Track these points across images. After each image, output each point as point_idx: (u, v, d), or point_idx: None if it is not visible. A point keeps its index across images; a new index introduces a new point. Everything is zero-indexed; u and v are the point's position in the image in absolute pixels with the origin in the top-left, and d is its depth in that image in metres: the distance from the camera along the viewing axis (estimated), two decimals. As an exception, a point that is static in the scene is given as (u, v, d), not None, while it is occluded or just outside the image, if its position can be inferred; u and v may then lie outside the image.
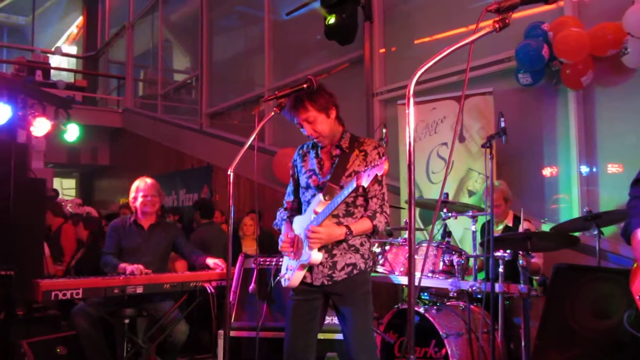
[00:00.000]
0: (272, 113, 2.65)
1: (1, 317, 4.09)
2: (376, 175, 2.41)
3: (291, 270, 2.79)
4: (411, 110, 1.44)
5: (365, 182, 2.42)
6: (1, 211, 4.12)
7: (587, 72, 4.20)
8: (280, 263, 2.99)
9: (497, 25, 1.56)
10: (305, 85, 2.57)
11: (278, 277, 2.90)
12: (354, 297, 2.74)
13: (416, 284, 3.88)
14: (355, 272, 2.75)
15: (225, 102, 9.36)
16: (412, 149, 1.44)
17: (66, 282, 3.59)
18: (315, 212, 2.69)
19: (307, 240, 2.67)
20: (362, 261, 2.78)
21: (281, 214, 3.01)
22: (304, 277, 2.77)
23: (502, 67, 4.91)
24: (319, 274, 2.75)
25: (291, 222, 2.91)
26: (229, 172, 2.47)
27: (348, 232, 2.69)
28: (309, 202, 2.82)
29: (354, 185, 2.47)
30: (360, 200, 2.79)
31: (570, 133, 4.54)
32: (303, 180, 2.88)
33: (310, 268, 2.76)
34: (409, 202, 1.44)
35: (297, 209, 2.98)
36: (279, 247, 2.87)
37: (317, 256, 2.68)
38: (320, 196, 2.69)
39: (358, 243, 2.79)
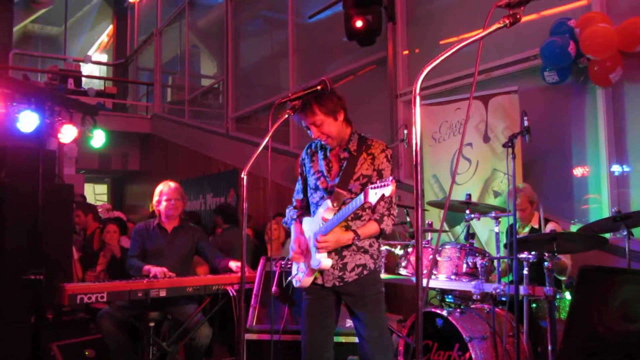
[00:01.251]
0: (286, 115, 2.64)
1: (32, 321, 4.18)
2: (382, 195, 2.40)
3: (302, 272, 2.83)
4: (417, 110, 1.41)
5: (372, 199, 2.43)
6: (30, 217, 4.19)
7: (615, 69, 4.08)
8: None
9: (507, 21, 1.52)
10: (319, 87, 2.56)
11: (289, 278, 2.94)
12: (366, 298, 2.77)
13: (436, 286, 3.87)
14: (365, 272, 2.78)
15: (251, 106, 9.40)
16: (418, 149, 1.41)
17: (91, 286, 3.66)
18: (324, 220, 2.72)
19: (315, 246, 2.70)
20: (371, 261, 2.81)
21: (290, 212, 3.03)
22: (315, 277, 2.81)
23: (527, 65, 4.80)
24: (330, 275, 2.79)
25: (301, 222, 2.93)
26: (242, 175, 2.47)
27: (355, 237, 2.72)
28: (317, 204, 2.84)
29: (362, 200, 2.49)
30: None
31: (599, 132, 4.42)
32: (311, 181, 2.90)
33: (321, 270, 2.78)
34: (415, 203, 1.42)
35: (306, 207, 3.00)
36: (291, 257, 2.90)
37: (327, 262, 2.73)
38: (328, 202, 2.71)
39: (367, 244, 2.82)
